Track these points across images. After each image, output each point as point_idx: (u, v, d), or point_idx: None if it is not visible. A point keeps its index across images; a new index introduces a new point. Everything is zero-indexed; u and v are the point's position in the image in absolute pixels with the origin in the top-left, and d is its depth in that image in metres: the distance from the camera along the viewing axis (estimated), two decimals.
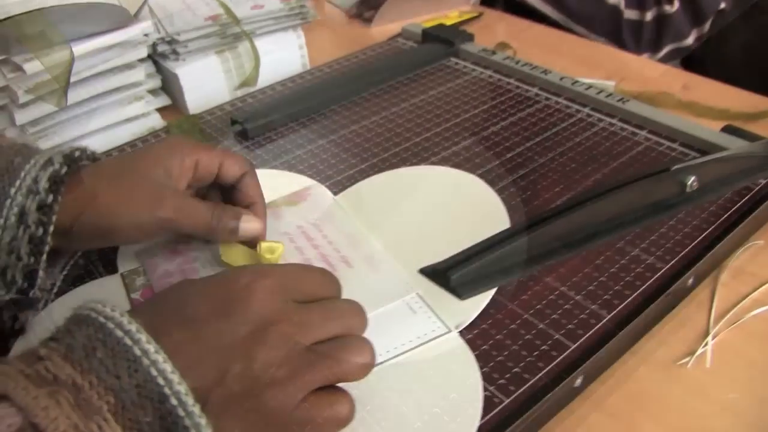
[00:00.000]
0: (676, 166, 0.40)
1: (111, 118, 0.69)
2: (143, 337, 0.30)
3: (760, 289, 0.49)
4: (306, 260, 0.48)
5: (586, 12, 1.00)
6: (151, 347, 0.30)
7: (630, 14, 1.01)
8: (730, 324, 0.47)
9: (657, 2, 1.00)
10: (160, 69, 0.74)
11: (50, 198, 0.40)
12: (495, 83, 0.70)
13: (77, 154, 0.44)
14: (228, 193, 0.49)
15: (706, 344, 0.46)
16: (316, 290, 0.37)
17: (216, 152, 0.47)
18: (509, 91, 0.69)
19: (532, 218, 0.32)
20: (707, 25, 1.04)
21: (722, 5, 1.03)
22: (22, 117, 0.63)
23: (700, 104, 0.72)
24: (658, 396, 0.43)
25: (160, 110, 0.73)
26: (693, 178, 0.40)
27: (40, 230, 0.40)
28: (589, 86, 0.66)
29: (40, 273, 0.41)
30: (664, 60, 1.03)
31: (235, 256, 0.46)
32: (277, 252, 0.45)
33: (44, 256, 0.41)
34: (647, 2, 1.00)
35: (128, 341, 0.30)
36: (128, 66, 0.69)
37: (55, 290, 0.44)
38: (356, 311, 0.37)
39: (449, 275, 0.28)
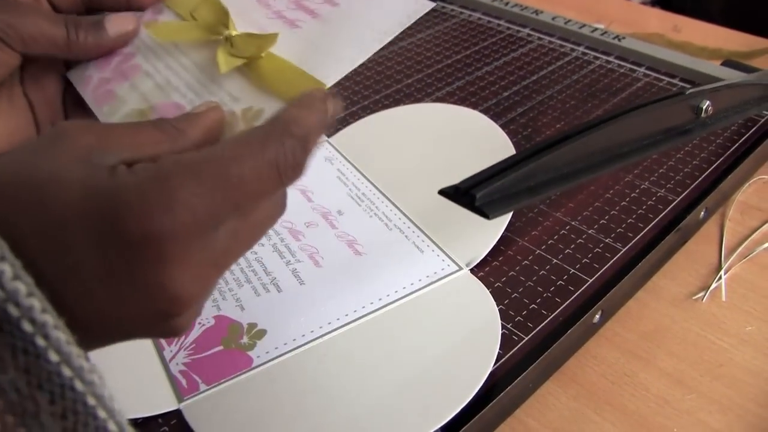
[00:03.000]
0: (690, 90, 0.38)
1: None
2: None
3: None
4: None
5: None
6: None
7: None
8: (741, 258, 0.46)
9: None
10: None
11: None
12: (485, 25, 0.68)
13: None
14: None
15: (720, 278, 0.44)
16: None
17: None
18: (500, 32, 0.66)
19: (552, 137, 0.30)
20: None
21: None
22: None
23: (693, 44, 0.70)
24: (675, 331, 0.41)
25: None
26: (708, 103, 0.39)
27: None
28: (583, 25, 0.64)
29: None
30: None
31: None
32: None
33: None
34: None
35: None
36: None
37: None
38: None
39: (473, 193, 0.26)
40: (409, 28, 0.67)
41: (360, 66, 0.61)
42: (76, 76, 0.37)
